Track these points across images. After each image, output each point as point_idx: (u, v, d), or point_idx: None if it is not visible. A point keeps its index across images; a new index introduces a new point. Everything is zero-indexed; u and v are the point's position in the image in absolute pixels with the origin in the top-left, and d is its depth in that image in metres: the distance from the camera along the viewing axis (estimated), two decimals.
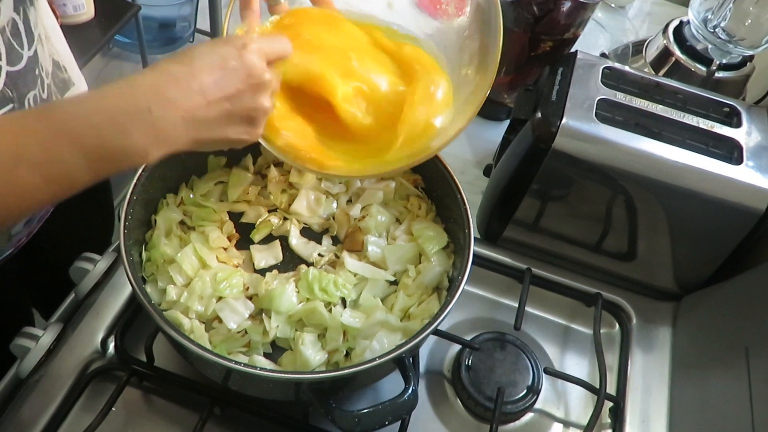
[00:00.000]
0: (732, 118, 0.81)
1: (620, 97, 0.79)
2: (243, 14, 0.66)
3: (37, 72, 0.64)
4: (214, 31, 2.22)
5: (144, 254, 0.71)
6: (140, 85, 0.47)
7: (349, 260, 0.73)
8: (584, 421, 0.75)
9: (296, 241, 0.76)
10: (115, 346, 0.74)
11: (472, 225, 0.70)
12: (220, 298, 0.69)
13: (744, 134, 0.78)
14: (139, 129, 0.46)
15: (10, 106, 0.60)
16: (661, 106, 0.79)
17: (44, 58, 0.67)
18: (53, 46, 0.72)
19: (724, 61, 0.92)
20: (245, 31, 0.63)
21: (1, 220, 0.45)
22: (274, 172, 0.79)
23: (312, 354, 0.66)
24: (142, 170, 0.68)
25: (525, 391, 0.76)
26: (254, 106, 0.53)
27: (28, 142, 0.44)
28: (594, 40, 1.22)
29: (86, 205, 0.83)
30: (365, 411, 0.58)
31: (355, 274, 0.72)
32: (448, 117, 0.65)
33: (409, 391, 0.60)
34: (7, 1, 0.57)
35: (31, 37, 0.62)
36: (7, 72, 0.59)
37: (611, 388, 0.79)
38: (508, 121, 0.87)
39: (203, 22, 2.19)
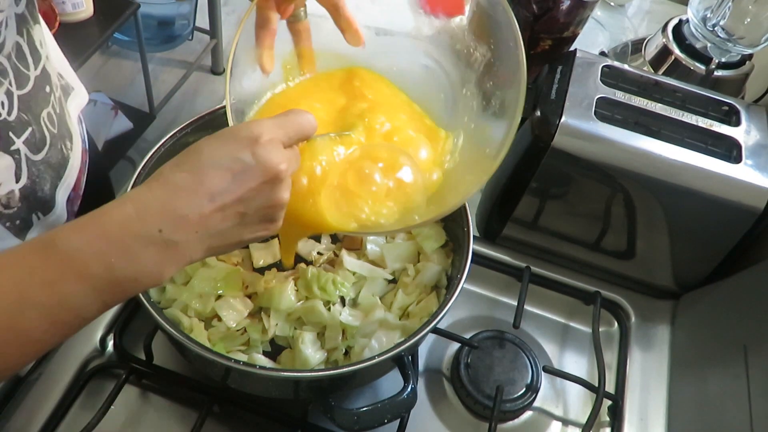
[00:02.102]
0: (731, 117, 0.81)
1: (619, 95, 0.79)
2: (258, 34, 0.60)
3: (48, 89, 0.62)
4: (213, 30, 2.22)
5: None
6: (146, 203, 0.44)
7: (348, 259, 0.73)
8: (583, 420, 0.75)
9: None
10: (114, 344, 0.74)
11: (471, 223, 0.70)
12: (219, 297, 0.69)
13: (743, 133, 0.78)
14: (150, 253, 0.43)
15: (30, 129, 0.58)
16: (660, 104, 0.79)
17: (53, 72, 0.66)
18: (51, 55, 0.72)
19: (723, 60, 0.92)
20: (259, 54, 0.59)
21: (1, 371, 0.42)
22: None
23: (311, 353, 0.66)
24: (141, 169, 0.68)
25: (524, 390, 0.76)
26: (271, 203, 0.48)
27: (32, 284, 0.40)
28: (593, 39, 1.22)
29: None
30: (364, 409, 0.58)
31: (354, 273, 0.72)
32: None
33: (408, 389, 0.60)
34: (11, 26, 0.54)
35: (37, 56, 0.60)
36: (18, 96, 0.57)
37: (610, 387, 0.79)
38: None
39: (202, 21, 2.19)
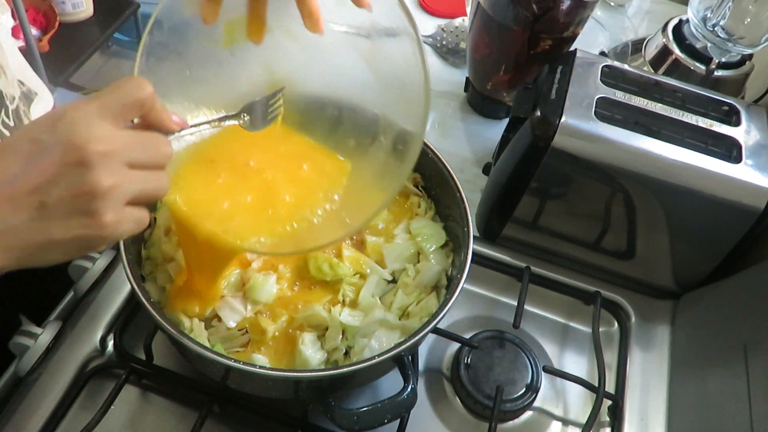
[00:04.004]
0: (731, 117, 0.81)
1: (619, 95, 0.79)
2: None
3: None
4: None
5: (143, 252, 0.71)
6: None
7: (348, 252, 0.73)
8: (583, 420, 0.75)
9: None
10: (114, 344, 0.74)
11: (471, 223, 0.70)
12: (220, 297, 0.69)
13: (743, 133, 0.78)
14: None
15: None
16: (660, 104, 0.79)
17: (7, 86, 0.63)
18: (10, 65, 0.67)
19: (723, 60, 0.92)
20: (201, 2, 0.53)
21: None
22: None
23: (312, 354, 0.66)
24: None
25: (524, 390, 0.76)
26: (79, 190, 0.40)
27: None
28: (593, 39, 1.22)
29: None
30: (364, 409, 0.58)
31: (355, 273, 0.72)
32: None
33: (408, 389, 0.60)
34: None
35: None
36: None
37: (610, 387, 0.79)
38: (507, 120, 0.87)
39: None
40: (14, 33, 1.44)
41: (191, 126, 0.50)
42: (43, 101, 0.74)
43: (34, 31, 1.46)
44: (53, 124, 0.40)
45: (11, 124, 0.63)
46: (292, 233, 0.60)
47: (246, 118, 0.56)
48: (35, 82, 0.75)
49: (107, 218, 0.42)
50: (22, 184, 0.40)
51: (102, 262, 0.78)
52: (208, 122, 0.53)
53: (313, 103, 0.66)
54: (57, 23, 1.48)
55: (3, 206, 0.39)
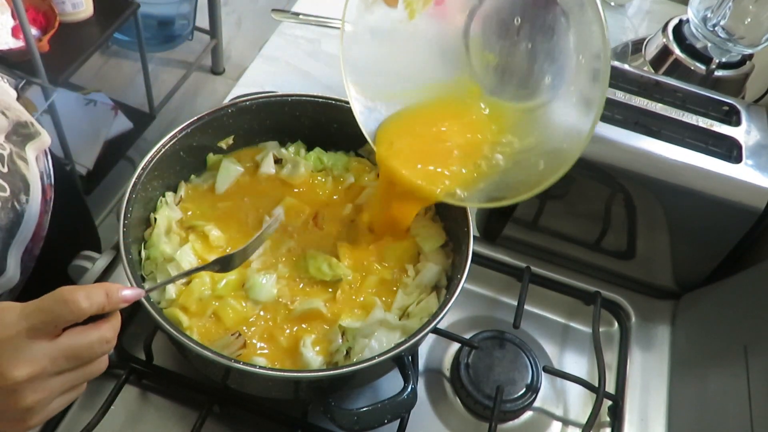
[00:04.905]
0: (731, 117, 0.81)
1: (619, 95, 0.79)
2: None
3: None
4: (213, 30, 2.22)
5: (143, 252, 0.71)
6: None
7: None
8: (583, 420, 0.75)
9: None
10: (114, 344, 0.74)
11: (471, 223, 0.70)
12: (220, 297, 0.69)
13: (743, 133, 0.78)
14: None
15: None
16: (660, 104, 0.79)
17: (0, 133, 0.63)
18: (5, 109, 0.68)
19: (723, 60, 0.92)
20: None
21: None
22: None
23: (312, 355, 0.66)
24: (141, 169, 0.68)
25: (524, 390, 0.76)
26: (6, 407, 0.43)
27: None
28: None
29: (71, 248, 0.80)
30: (364, 409, 0.58)
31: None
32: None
33: (408, 389, 0.60)
34: None
35: None
36: None
37: (610, 387, 0.79)
38: None
39: (202, 21, 2.19)
40: (14, 33, 1.44)
41: (155, 287, 0.61)
42: (41, 140, 0.74)
43: (34, 31, 1.46)
44: None
45: (5, 170, 0.63)
46: (482, 178, 0.67)
47: (216, 268, 0.62)
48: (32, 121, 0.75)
49: (33, 422, 0.46)
50: None
51: (102, 263, 0.78)
52: (180, 276, 0.65)
53: (505, 43, 0.68)
54: (57, 23, 1.47)
55: None
